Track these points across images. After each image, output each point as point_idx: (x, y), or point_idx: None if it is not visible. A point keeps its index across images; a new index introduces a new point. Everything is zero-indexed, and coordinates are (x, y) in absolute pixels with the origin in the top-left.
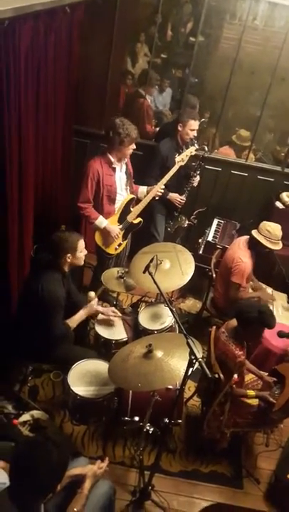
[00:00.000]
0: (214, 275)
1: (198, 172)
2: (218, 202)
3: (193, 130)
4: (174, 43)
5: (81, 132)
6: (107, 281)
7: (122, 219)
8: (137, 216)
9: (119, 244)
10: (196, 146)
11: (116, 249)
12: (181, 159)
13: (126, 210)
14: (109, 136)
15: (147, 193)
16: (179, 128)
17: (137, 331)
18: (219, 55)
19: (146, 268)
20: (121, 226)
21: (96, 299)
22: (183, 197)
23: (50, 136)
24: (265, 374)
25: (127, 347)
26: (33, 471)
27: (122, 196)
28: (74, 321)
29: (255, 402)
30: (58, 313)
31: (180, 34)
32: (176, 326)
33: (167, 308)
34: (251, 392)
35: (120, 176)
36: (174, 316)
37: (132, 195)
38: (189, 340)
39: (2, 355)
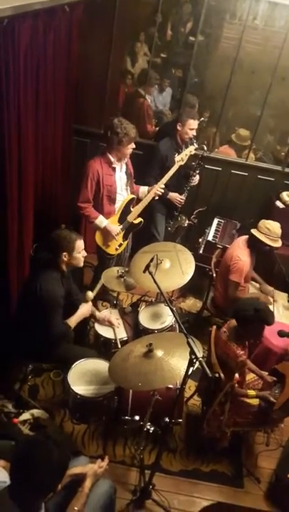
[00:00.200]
0: (214, 275)
1: (197, 171)
2: (218, 201)
3: (193, 129)
4: (174, 43)
5: (81, 131)
6: (107, 281)
7: (122, 219)
8: (138, 216)
9: (120, 245)
10: (196, 146)
11: (116, 249)
12: (180, 159)
13: (126, 210)
14: (108, 136)
15: (148, 192)
16: (179, 127)
17: (137, 331)
18: (219, 55)
19: (147, 267)
20: (121, 226)
21: (90, 303)
22: (183, 196)
23: (49, 135)
24: (265, 373)
25: (127, 346)
26: (34, 470)
27: (122, 196)
28: (72, 321)
29: (255, 401)
30: (56, 312)
31: (180, 33)
32: (177, 326)
33: (167, 307)
34: (252, 392)
35: (120, 176)
36: (175, 316)
37: (132, 195)
38: (190, 340)
39: (2, 354)
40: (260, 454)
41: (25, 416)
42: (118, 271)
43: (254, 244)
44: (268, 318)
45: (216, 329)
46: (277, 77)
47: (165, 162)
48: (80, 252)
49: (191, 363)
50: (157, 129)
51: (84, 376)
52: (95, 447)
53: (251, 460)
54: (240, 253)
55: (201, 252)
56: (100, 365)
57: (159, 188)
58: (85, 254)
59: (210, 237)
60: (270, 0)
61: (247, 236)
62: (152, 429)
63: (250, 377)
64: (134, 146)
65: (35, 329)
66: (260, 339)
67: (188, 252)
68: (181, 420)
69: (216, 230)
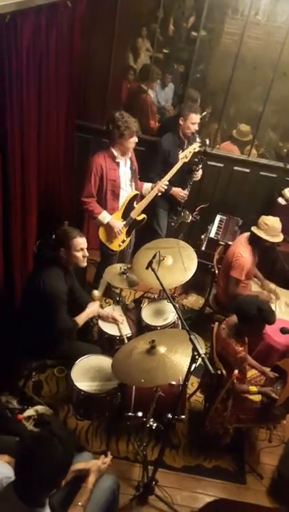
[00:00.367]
0: (217, 271)
1: (200, 166)
2: (220, 198)
3: (195, 123)
4: (176, 38)
5: (83, 128)
6: (110, 277)
7: (125, 215)
8: (141, 213)
9: (123, 241)
10: (198, 141)
11: (120, 245)
12: (184, 156)
13: (130, 207)
14: (109, 130)
15: (152, 189)
16: (181, 122)
17: (140, 327)
18: (221, 50)
19: (149, 264)
20: (124, 222)
21: (98, 302)
22: (186, 191)
23: (52, 131)
24: (267, 369)
25: (130, 343)
26: (38, 465)
27: (126, 192)
28: (81, 319)
29: (257, 398)
30: (60, 307)
31: (182, 29)
32: (179, 322)
33: (170, 304)
34: (253, 388)
35: (125, 171)
36: (177, 312)
37: (136, 192)
38: (192, 336)
39: (7, 351)
40: (262, 451)
41: (30, 412)
42: (121, 267)
43: (255, 241)
44: (270, 317)
45: (218, 326)
46: (279, 73)
47: (167, 157)
48: (78, 251)
49: (193, 360)
50: (159, 125)
51: (87, 372)
52: (99, 443)
53: (254, 456)
54: (242, 250)
55: (203, 248)
56: (104, 361)
57: (162, 184)
58: (87, 254)
59: (212, 234)
60: None
61: (248, 233)
62: (155, 425)
63: (252, 373)
64: (136, 140)
65: (39, 325)
66: (260, 337)
67: (191, 248)
68: (183, 416)
69: (218, 226)
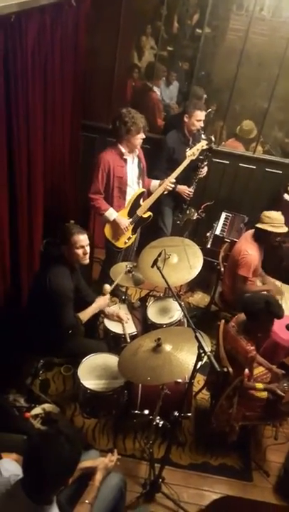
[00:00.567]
0: (222, 269)
1: (205, 163)
2: (226, 195)
3: (200, 121)
4: (181, 36)
5: (89, 127)
6: (116, 276)
7: (132, 213)
8: (147, 210)
9: (129, 238)
10: (204, 138)
11: (125, 243)
12: (192, 153)
13: (136, 204)
14: (117, 126)
15: (159, 186)
16: (185, 119)
17: (146, 325)
18: (226, 47)
19: (155, 262)
20: (131, 220)
21: (107, 296)
22: (191, 189)
23: (57, 131)
24: (274, 367)
25: (136, 341)
26: (46, 463)
27: (133, 189)
28: (86, 314)
29: (264, 395)
30: (66, 305)
31: (186, 26)
32: (185, 320)
33: (176, 302)
34: (259, 385)
35: (132, 168)
36: (183, 310)
37: (143, 189)
38: (198, 334)
39: (14, 349)
40: (268, 448)
41: (37, 410)
42: (126, 266)
43: (261, 237)
44: (278, 311)
45: (225, 323)
46: (284, 69)
47: (172, 155)
48: (78, 248)
49: (199, 358)
50: (164, 122)
51: (94, 371)
52: (106, 441)
53: (260, 454)
54: (248, 247)
55: (208, 246)
56: (110, 359)
57: (169, 182)
58: (87, 251)
59: (218, 231)
60: None
61: (253, 230)
62: (161, 423)
63: (258, 370)
64: (143, 136)
65: (46, 323)
66: (269, 333)
67: (196, 246)
68: (190, 414)
69: (223, 224)
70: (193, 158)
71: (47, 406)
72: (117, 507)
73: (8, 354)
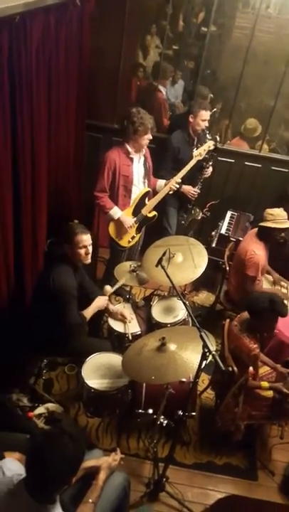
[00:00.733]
0: (228, 268)
1: (210, 163)
2: (231, 194)
3: (205, 120)
4: (186, 34)
5: (94, 126)
6: (120, 275)
7: (136, 212)
8: (152, 210)
9: (133, 237)
10: (209, 137)
11: (129, 241)
12: (198, 154)
13: (141, 203)
14: (124, 126)
15: (165, 186)
16: (190, 119)
17: (150, 325)
18: (232, 45)
19: (159, 261)
20: (135, 219)
21: (106, 297)
22: (196, 189)
23: (62, 130)
24: (279, 366)
25: (140, 340)
26: (49, 463)
27: (139, 189)
28: (88, 312)
29: (269, 394)
30: (70, 303)
31: (192, 24)
32: (190, 319)
33: (180, 301)
34: (265, 384)
35: (138, 168)
36: (187, 310)
37: (148, 189)
38: (202, 334)
39: (18, 349)
40: (274, 447)
41: (40, 410)
42: (131, 265)
43: (265, 235)
44: (282, 309)
45: (230, 322)
46: None
47: (177, 154)
48: (81, 248)
49: (204, 357)
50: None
51: (98, 370)
52: (109, 440)
53: (265, 453)
54: (255, 247)
55: (213, 245)
56: (114, 359)
57: (175, 182)
58: (90, 251)
59: (223, 230)
60: None
61: (256, 229)
62: (166, 422)
63: (263, 370)
64: (150, 137)
65: (50, 322)
66: (273, 332)
67: (201, 245)
68: (194, 413)
69: (229, 223)
70: (200, 158)
71: (50, 405)
72: (121, 506)
73: (11, 353)
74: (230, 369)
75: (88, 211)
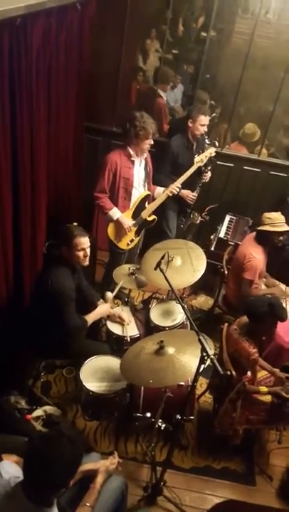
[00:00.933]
0: (226, 272)
1: (209, 168)
2: (230, 198)
3: (204, 125)
4: (186, 39)
5: (93, 129)
6: (119, 278)
7: (136, 215)
8: (152, 214)
9: (132, 240)
10: (208, 142)
11: (128, 244)
12: (200, 160)
13: (141, 206)
14: (126, 128)
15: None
16: (190, 124)
17: (149, 328)
18: (231, 50)
19: (158, 265)
20: (134, 222)
21: (109, 305)
22: (195, 193)
23: (61, 133)
24: (277, 370)
25: (138, 343)
26: (47, 466)
27: (139, 192)
28: (90, 318)
29: (268, 398)
30: (68, 304)
31: (192, 29)
32: (188, 323)
33: (179, 305)
34: (264, 389)
35: (139, 171)
36: (186, 313)
37: (148, 192)
38: (201, 337)
39: (16, 350)
40: (272, 452)
41: (38, 412)
42: (130, 268)
43: (264, 239)
44: (281, 312)
45: (228, 326)
46: None
47: (176, 159)
48: (79, 250)
49: (202, 361)
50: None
51: (96, 373)
52: (107, 444)
53: (263, 458)
54: (253, 251)
55: (212, 249)
56: (112, 362)
57: (175, 187)
58: (88, 254)
59: (222, 234)
60: None
61: (255, 233)
62: (164, 426)
63: (261, 374)
64: (152, 142)
65: (48, 324)
66: (273, 336)
67: (200, 249)
68: (192, 417)
69: (227, 226)
70: (201, 164)
71: (48, 408)
72: (118, 510)
73: (10, 355)
74: (228, 373)
75: (87, 214)
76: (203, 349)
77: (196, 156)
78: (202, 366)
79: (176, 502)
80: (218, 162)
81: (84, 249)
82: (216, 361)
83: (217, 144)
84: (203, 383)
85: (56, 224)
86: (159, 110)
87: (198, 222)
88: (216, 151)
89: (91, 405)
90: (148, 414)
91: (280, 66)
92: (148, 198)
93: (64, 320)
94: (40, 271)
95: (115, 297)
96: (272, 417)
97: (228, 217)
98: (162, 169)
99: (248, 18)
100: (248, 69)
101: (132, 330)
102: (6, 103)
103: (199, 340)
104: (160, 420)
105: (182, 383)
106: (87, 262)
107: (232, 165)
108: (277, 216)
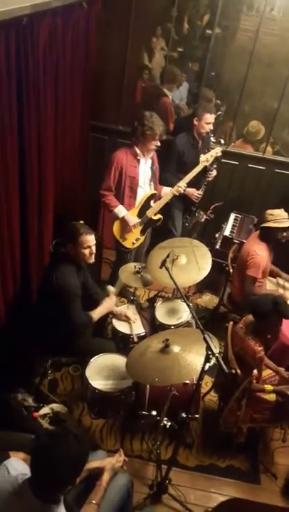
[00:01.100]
0: (231, 270)
1: (215, 166)
2: (235, 196)
3: (209, 123)
4: (191, 36)
5: (99, 128)
6: (124, 277)
7: (141, 213)
8: (157, 213)
9: (137, 239)
10: (213, 140)
11: (133, 243)
12: (205, 159)
13: (146, 205)
14: (134, 127)
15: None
16: (195, 122)
17: (154, 326)
18: (236, 47)
19: (163, 263)
20: (140, 220)
21: (114, 297)
22: (200, 191)
23: (68, 132)
24: (282, 369)
25: (144, 342)
26: (54, 463)
27: (144, 191)
28: (96, 314)
29: (272, 397)
30: (74, 301)
31: (197, 27)
32: (193, 322)
33: (184, 303)
34: (269, 387)
35: (145, 170)
36: (191, 312)
37: (154, 191)
38: (206, 336)
39: (23, 348)
40: (276, 450)
41: (45, 410)
42: (135, 267)
43: (267, 236)
44: (286, 311)
45: (233, 325)
46: None
47: (182, 157)
48: (85, 248)
49: (207, 359)
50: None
51: (102, 371)
52: (113, 441)
53: (268, 456)
54: (257, 248)
55: (217, 247)
56: (118, 360)
57: (181, 185)
58: (94, 251)
59: (227, 233)
60: None
61: (259, 231)
62: (169, 424)
63: (266, 373)
64: (158, 143)
65: (55, 322)
66: (278, 334)
67: (205, 247)
68: (197, 416)
69: (232, 225)
70: (207, 164)
71: (55, 406)
72: (124, 507)
73: (17, 353)
74: (233, 371)
75: (94, 212)
76: (209, 348)
77: (201, 154)
78: (207, 365)
79: (181, 500)
80: (222, 160)
81: (90, 247)
82: (221, 360)
83: (223, 142)
84: (208, 382)
85: (63, 222)
86: (165, 109)
87: (203, 220)
88: (221, 151)
89: (97, 403)
90: (153, 413)
91: (285, 63)
92: (154, 197)
93: (70, 317)
94: (46, 269)
95: (121, 296)
96: (277, 416)
97: (233, 216)
98: (168, 168)
99: (252, 15)
100: (253, 66)
101: (137, 328)
102: (14, 102)
103: (204, 338)
104: (165, 418)
105: (187, 382)
106: (92, 260)
107: (237, 163)
108: (279, 212)
